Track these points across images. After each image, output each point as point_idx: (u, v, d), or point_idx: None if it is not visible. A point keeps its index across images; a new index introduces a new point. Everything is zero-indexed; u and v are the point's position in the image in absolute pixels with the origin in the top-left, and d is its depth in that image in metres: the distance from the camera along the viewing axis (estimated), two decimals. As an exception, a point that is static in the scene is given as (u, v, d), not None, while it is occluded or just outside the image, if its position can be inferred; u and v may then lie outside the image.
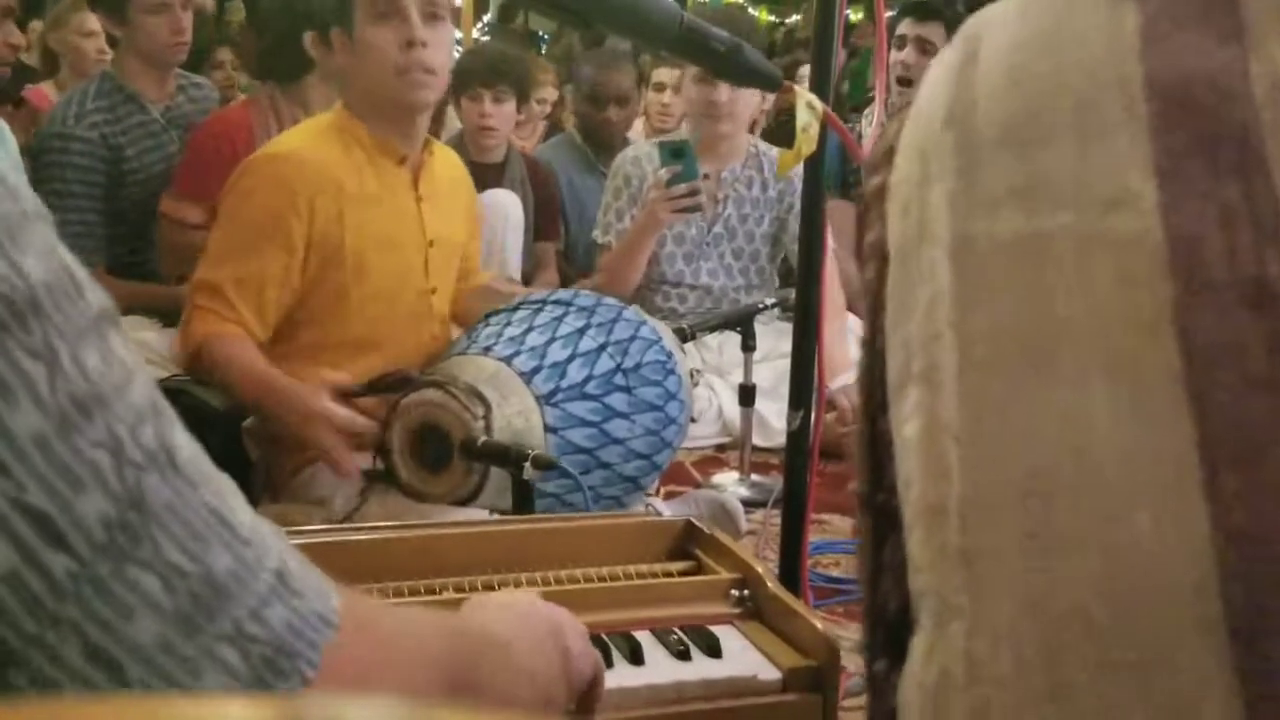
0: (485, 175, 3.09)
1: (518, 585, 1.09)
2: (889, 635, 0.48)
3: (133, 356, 0.45)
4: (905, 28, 3.36)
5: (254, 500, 2.03)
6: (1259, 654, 0.38)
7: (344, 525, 1.55)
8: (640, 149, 3.10)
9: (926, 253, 0.46)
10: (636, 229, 2.83)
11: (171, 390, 2.00)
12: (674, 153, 2.63)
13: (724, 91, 2.86)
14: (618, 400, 1.86)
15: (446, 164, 2.18)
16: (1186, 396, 0.39)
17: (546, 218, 3.50)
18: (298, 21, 2.74)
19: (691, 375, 2.10)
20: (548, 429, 1.77)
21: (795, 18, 9.80)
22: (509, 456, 1.61)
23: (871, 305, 0.50)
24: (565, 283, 3.43)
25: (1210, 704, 0.39)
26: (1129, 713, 0.40)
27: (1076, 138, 0.43)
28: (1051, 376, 0.42)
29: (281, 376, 1.84)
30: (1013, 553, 0.42)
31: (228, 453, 2.01)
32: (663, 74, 4.13)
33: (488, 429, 1.68)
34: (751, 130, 3.17)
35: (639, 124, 4.49)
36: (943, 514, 0.44)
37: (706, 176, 2.89)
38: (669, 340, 2.02)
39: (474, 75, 3.20)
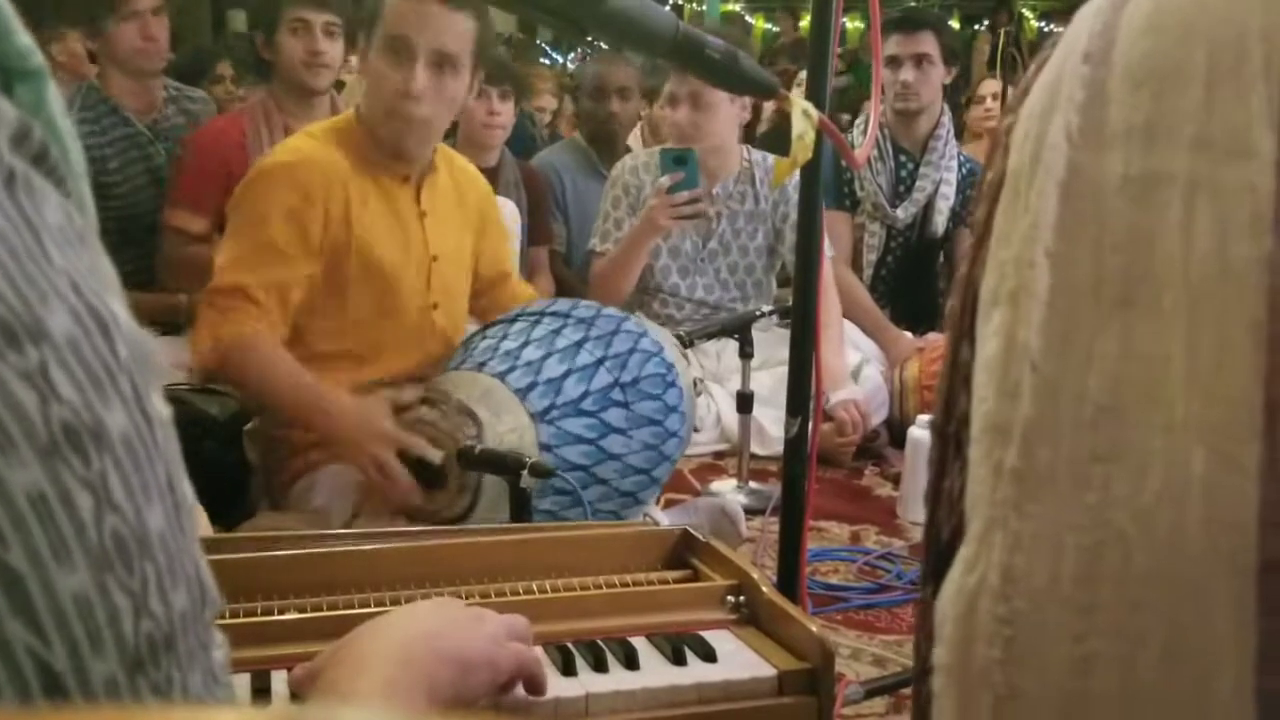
0: (480, 179, 3.11)
1: (514, 594, 1.09)
2: (938, 564, 0.50)
3: None
4: (896, 46, 3.30)
5: (253, 507, 2.05)
6: None
7: (342, 532, 1.55)
8: (639, 158, 3.09)
9: (1038, 181, 0.47)
10: (634, 234, 2.81)
11: (172, 399, 2.00)
12: (676, 160, 2.63)
13: (683, 114, 2.85)
14: (615, 416, 1.84)
15: (454, 172, 2.17)
16: (1263, 348, 0.41)
17: (540, 222, 3.51)
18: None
19: (695, 386, 2.09)
20: (543, 447, 1.76)
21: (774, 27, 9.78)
22: (506, 464, 1.61)
23: (975, 240, 0.51)
24: (562, 286, 3.43)
25: (1228, 639, 0.41)
26: (1149, 638, 0.42)
27: (1206, 84, 0.44)
28: (1139, 313, 0.44)
29: (330, 386, 1.84)
30: (1065, 476, 0.44)
31: (227, 460, 2.01)
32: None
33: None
34: (750, 138, 3.16)
35: (635, 133, 4.49)
36: (1006, 433, 0.46)
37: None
38: (670, 351, 2.00)
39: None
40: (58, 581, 0.33)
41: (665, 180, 2.62)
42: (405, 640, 0.79)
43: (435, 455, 1.71)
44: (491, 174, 3.32)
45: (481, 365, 1.83)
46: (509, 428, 1.73)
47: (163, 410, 0.39)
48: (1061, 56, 0.49)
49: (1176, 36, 0.45)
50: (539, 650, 1.00)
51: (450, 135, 3.21)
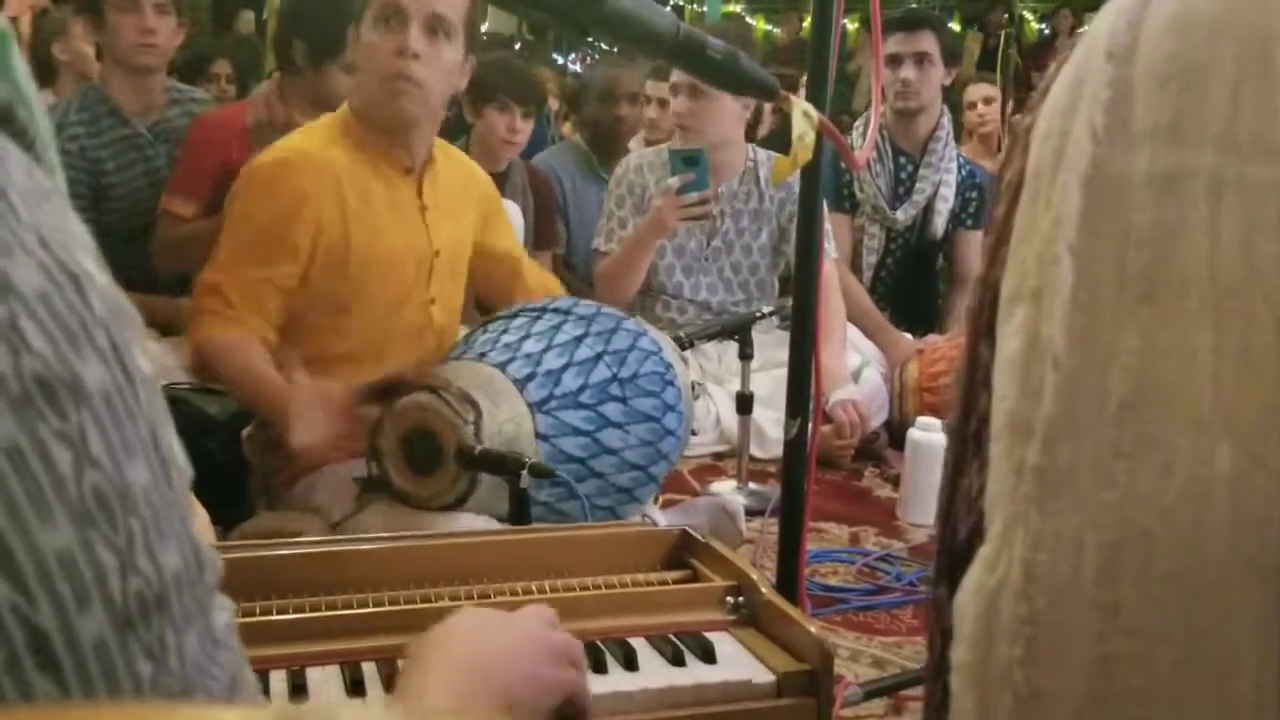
0: (488, 184, 3.10)
1: (514, 594, 1.09)
2: (953, 563, 0.50)
3: None
4: (897, 44, 3.29)
5: (251, 508, 2.06)
6: None
7: (341, 537, 1.55)
8: (643, 157, 3.07)
9: (1060, 178, 0.47)
10: (640, 234, 2.80)
11: (172, 399, 2.00)
12: (687, 160, 2.62)
13: (681, 102, 2.84)
14: (612, 410, 1.85)
15: (453, 167, 2.17)
16: None
17: (545, 226, 3.50)
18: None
19: (693, 388, 2.09)
20: (540, 436, 1.77)
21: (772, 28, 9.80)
22: (506, 465, 1.62)
23: (994, 239, 0.51)
24: (565, 289, 3.43)
25: (1249, 641, 0.40)
26: (1170, 638, 0.42)
27: (1232, 82, 0.44)
28: (1163, 311, 0.43)
29: (274, 376, 1.84)
30: (1088, 473, 0.44)
31: (227, 460, 2.01)
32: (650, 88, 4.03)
33: (478, 434, 1.68)
34: (753, 136, 3.14)
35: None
36: (1028, 431, 0.46)
37: None
38: (669, 352, 2.01)
39: (504, 89, 3.18)
40: (39, 537, 0.33)
41: (674, 181, 2.61)
42: (483, 651, 0.78)
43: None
44: (500, 179, 3.31)
45: (482, 356, 1.85)
46: (508, 416, 1.74)
47: (145, 367, 0.38)
48: (1084, 55, 0.49)
49: (1203, 36, 0.45)
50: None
51: (454, 137, 3.20)
